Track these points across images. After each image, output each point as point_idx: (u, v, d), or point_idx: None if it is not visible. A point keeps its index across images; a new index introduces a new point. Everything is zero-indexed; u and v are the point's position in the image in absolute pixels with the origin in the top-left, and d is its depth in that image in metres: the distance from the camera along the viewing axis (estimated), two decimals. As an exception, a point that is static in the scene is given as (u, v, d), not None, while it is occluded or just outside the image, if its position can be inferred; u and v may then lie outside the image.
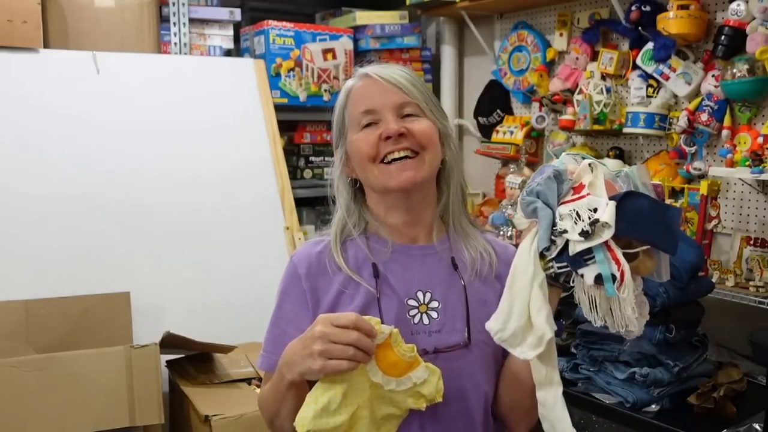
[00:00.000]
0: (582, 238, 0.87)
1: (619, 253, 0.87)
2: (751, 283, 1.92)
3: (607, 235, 0.86)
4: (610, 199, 0.88)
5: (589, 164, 0.92)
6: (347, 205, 1.18)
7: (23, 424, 1.75)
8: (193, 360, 2.21)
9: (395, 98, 1.10)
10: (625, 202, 0.88)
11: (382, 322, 0.99)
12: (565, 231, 0.89)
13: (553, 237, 0.91)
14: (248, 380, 2.12)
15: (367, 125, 1.11)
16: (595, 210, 0.88)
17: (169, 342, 2.01)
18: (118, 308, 2.21)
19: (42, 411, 1.77)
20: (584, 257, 0.89)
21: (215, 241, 2.54)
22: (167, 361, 2.19)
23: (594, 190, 0.90)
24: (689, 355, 1.84)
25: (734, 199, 2.14)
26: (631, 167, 0.94)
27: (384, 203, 1.15)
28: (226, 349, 2.20)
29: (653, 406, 1.82)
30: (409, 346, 1.00)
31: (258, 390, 2.05)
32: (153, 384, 1.86)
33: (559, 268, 0.92)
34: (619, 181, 0.93)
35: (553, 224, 0.91)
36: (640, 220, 0.88)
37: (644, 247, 0.90)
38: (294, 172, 2.99)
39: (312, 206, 3.07)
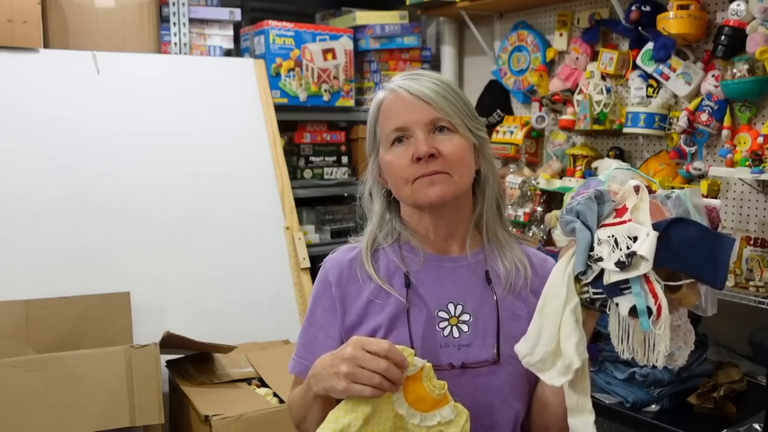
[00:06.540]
0: (617, 269, 0.82)
1: (657, 286, 0.82)
2: (751, 283, 1.92)
3: (644, 268, 0.81)
4: (656, 225, 0.83)
5: (635, 186, 0.87)
6: (381, 214, 1.17)
7: (23, 424, 1.75)
8: (193, 360, 2.21)
9: (425, 115, 1.08)
10: (672, 230, 0.82)
11: (410, 333, 0.97)
12: (601, 259, 0.84)
13: (589, 262, 0.86)
14: (248, 380, 2.12)
15: (398, 140, 1.10)
16: (635, 239, 0.82)
17: (169, 342, 2.01)
18: (118, 308, 2.21)
19: (42, 411, 1.76)
20: (620, 286, 0.84)
21: (215, 241, 2.54)
22: (167, 361, 2.19)
23: (637, 216, 0.84)
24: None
25: (734, 199, 2.14)
26: (684, 189, 0.88)
27: (417, 215, 1.15)
28: (226, 349, 2.20)
29: (653, 406, 1.82)
30: (441, 383, 0.98)
31: (258, 390, 2.05)
32: (153, 384, 1.86)
33: (594, 293, 0.87)
34: (668, 204, 0.87)
35: (591, 248, 0.86)
36: (686, 252, 0.82)
37: (688, 281, 0.84)
38: (294, 172, 2.99)
39: (312, 206, 3.07)
